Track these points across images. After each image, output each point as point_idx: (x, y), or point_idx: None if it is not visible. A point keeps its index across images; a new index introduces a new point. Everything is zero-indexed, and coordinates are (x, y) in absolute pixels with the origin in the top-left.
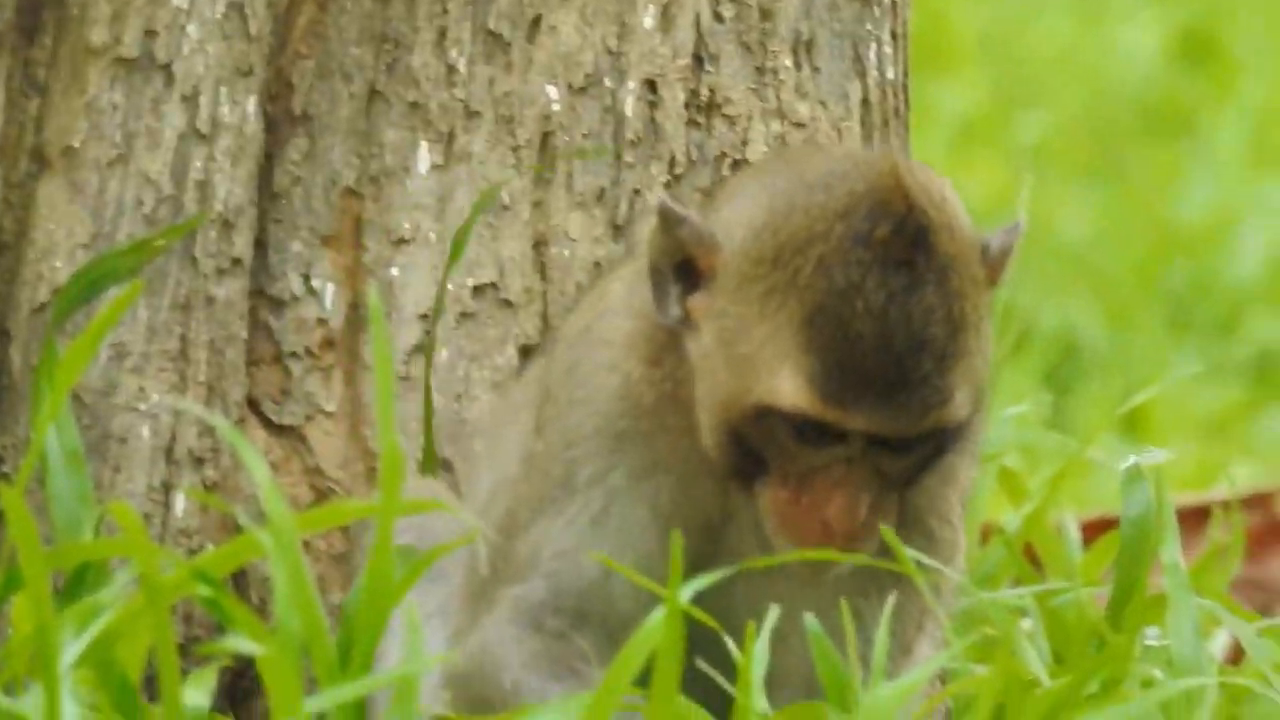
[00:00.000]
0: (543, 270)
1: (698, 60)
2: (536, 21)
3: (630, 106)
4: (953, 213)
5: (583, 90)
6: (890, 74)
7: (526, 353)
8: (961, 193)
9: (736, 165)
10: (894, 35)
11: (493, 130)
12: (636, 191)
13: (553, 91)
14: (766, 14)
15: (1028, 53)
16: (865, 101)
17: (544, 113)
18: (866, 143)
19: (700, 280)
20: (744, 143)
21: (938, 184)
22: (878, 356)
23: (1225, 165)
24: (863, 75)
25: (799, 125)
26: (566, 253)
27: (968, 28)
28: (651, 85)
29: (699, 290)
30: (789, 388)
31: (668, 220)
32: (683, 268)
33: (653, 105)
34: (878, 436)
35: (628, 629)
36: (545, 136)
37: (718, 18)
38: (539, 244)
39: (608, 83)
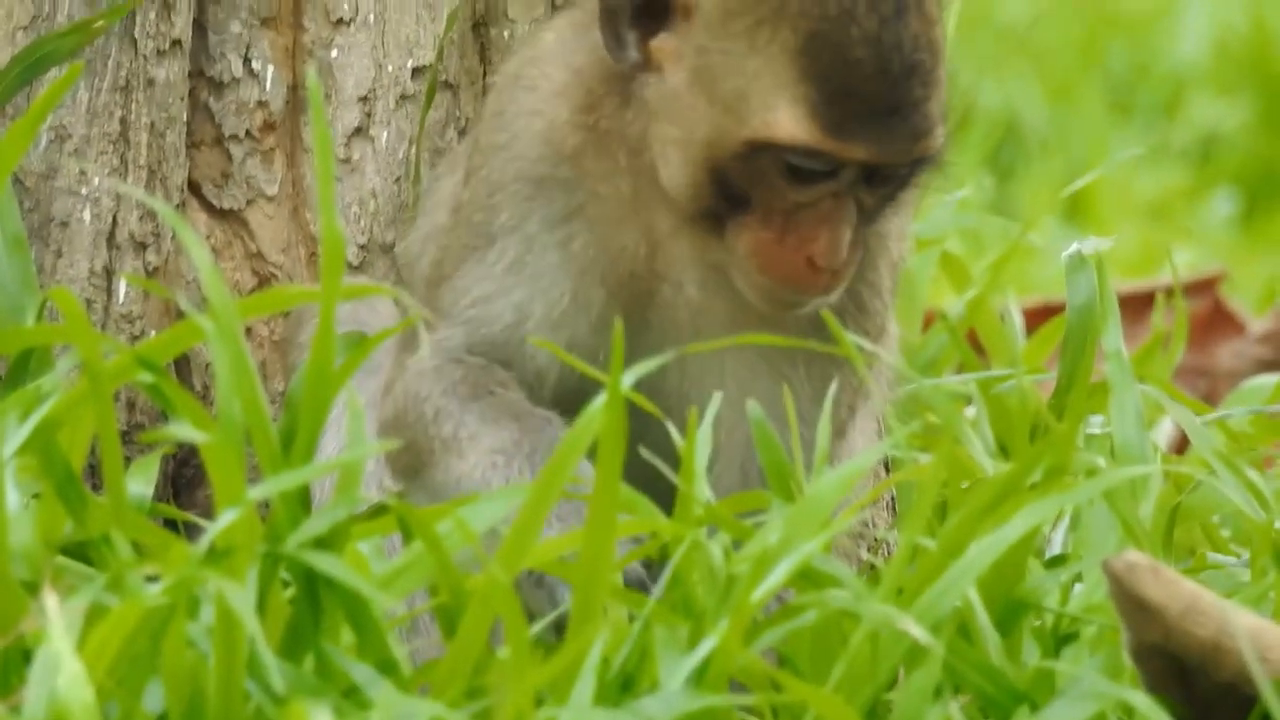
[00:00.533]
0: (482, 51)
1: None
2: None
3: None
4: None
5: None
6: None
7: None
8: None
9: None
10: None
11: None
12: None
13: None
14: None
15: None
16: None
17: None
18: None
19: (666, 20)
20: None
21: None
22: (875, 83)
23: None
24: None
25: None
26: (506, 34)
27: None
28: None
29: (664, 31)
30: (788, 119)
31: None
32: (643, 9)
33: None
34: (871, 166)
35: (543, 382)
36: None
37: None
38: (478, 25)
39: None
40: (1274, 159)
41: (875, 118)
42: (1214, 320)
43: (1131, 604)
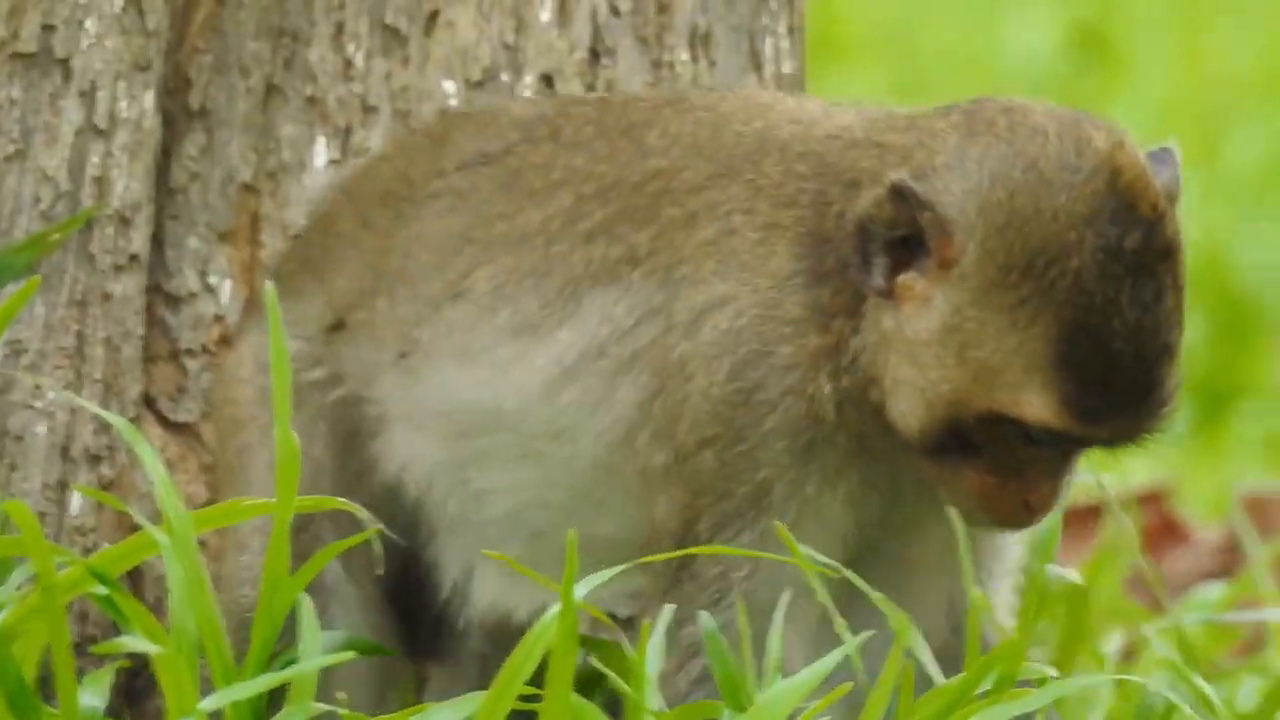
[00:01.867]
0: None
1: (594, 54)
2: (433, 16)
3: None
4: (1161, 186)
5: (480, 85)
6: (786, 68)
7: None
8: None
9: None
10: (790, 29)
11: (390, 125)
12: None
13: (450, 86)
14: (663, 8)
15: (922, 46)
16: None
17: (442, 107)
18: None
19: (920, 261)
20: None
21: (1140, 154)
22: (1130, 373)
23: None
24: (759, 68)
25: None
26: None
27: (863, 22)
28: (548, 80)
29: (914, 270)
30: (1039, 403)
31: (906, 198)
32: (900, 243)
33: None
34: (1104, 441)
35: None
36: None
37: (614, 11)
38: None
39: (505, 77)
40: (1222, 372)
41: (1125, 403)
42: (1163, 531)
43: None
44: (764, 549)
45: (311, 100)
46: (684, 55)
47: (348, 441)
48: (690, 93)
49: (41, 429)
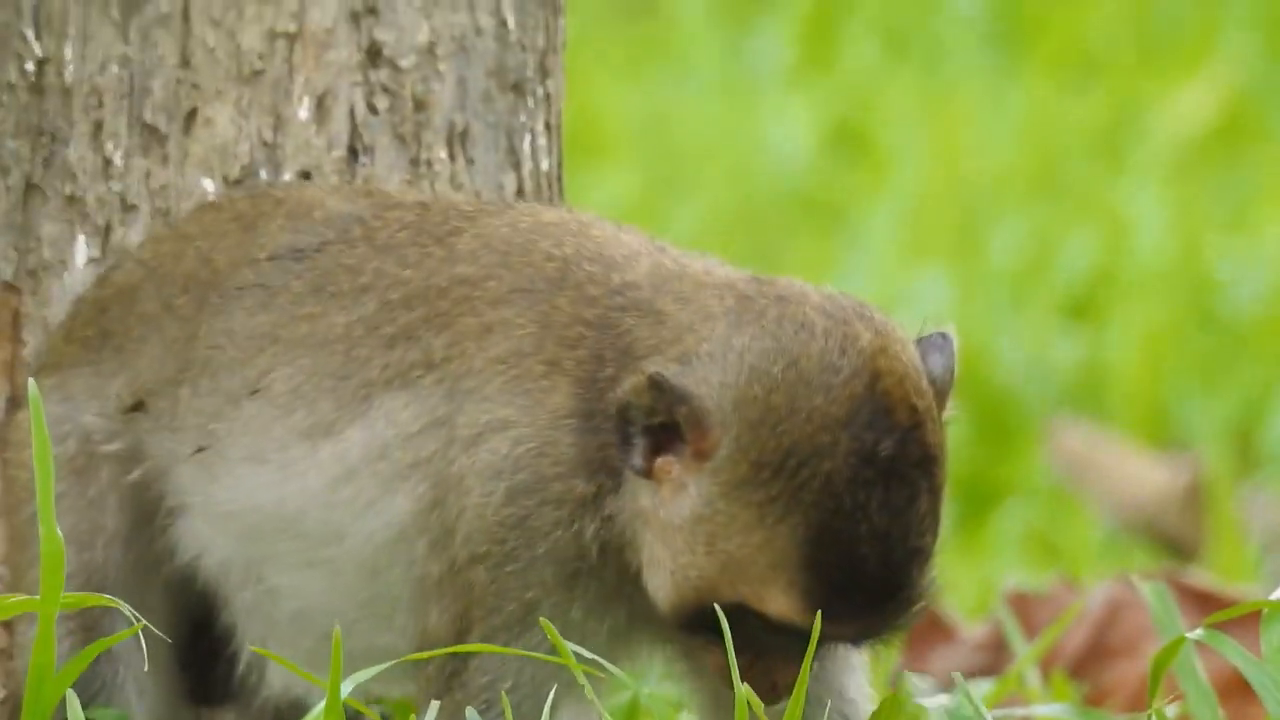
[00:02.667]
0: None
1: (353, 152)
2: (192, 114)
3: None
4: (926, 384)
5: (239, 182)
6: (545, 165)
7: None
8: None
9: None
10: (548, 126)
11: (150, 222)
12: None
13: (209, 184)
14: (421, 105)
15: (680, 144)
16: (520, 192)
17: (248, 182)
18: None
19: (678, 448)
20: None
21: (907, 347)
22: (876, 575)
23: (879, 256)
24: (517, 166)
25: None
26: None
27: (620, 119)
28: (307, 175)
29: (670, 454)
30: (782, 600)
31: (663, 390)
32: (659, 427)
33: None
34: (856, 639)
35: None
36: None
37: (372, 109)
38: None
39: (264, 174)
40: (983, 470)
41: (869, 605)
42: (928, 627)
43: None
44: (529, 665)
45: (71, 199)
46: (442, 153)
47: (143, 521)
48: (515, 202)
49: None
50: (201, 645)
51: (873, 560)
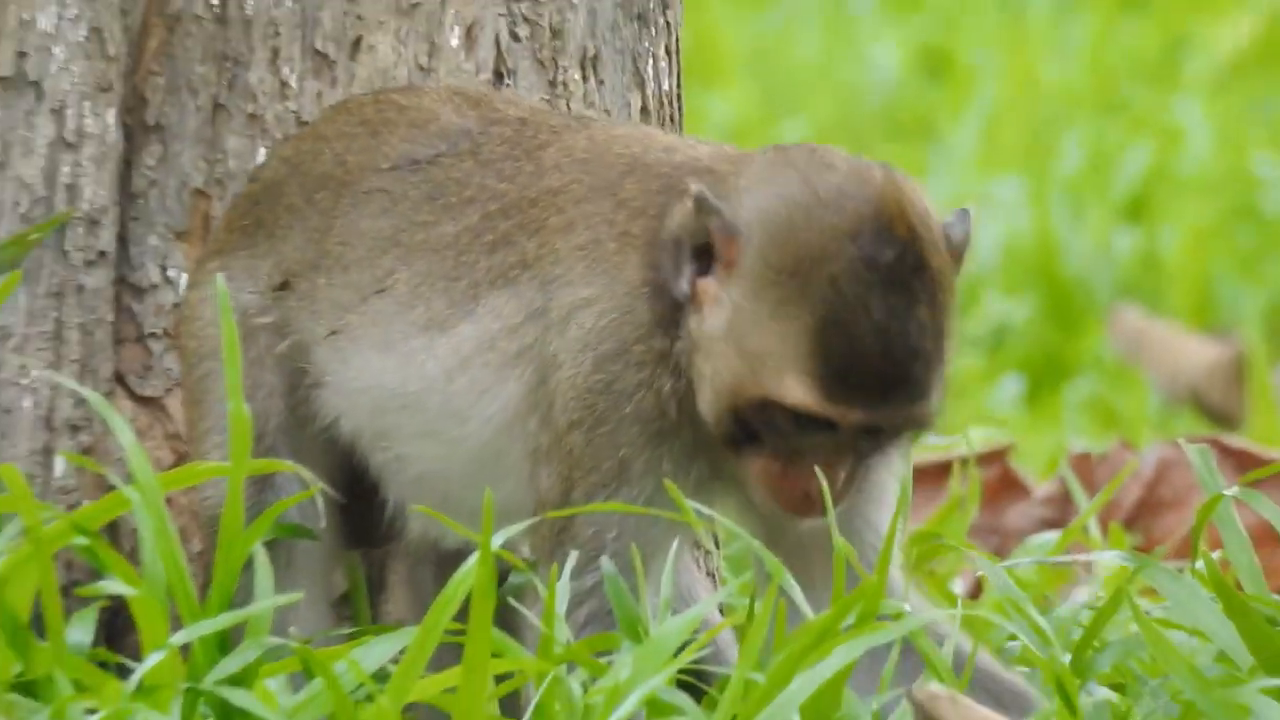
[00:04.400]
0: None
1: (498, 75)
2: (357, 42)
3: None
4: (935, 225)
5: None
6: (665, 85)
7: None
8: None
9: None
10: (668, 51)
11: None
12: None
13: None
14: (557, 33)
15: (787, 67)
16: (644, 110)
17: (334, 105)
18: None
19: (713, 266)
20: None
21: (920, 197)
22: (877, 364)
23: (961, 164)
24: (641, 86)
25: None
26: None
27: (734, 45)
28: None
29: (709, 275)
30: (796, 388)
31: (702, 207)
32: (700, 251)
33: None
34: (867, 427)
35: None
36: None
37: (515, 37)
38: None
39: None
40: (1053, 348)
41: (873, 391)
42: (1003, 486)
43: None
44: (629, 517)
45: (252, 116)
46: (576, 75)
47: (293, 385)
48: (593, 117)
49: (27, 403)
50: (357, 493)
51: (874, 352)
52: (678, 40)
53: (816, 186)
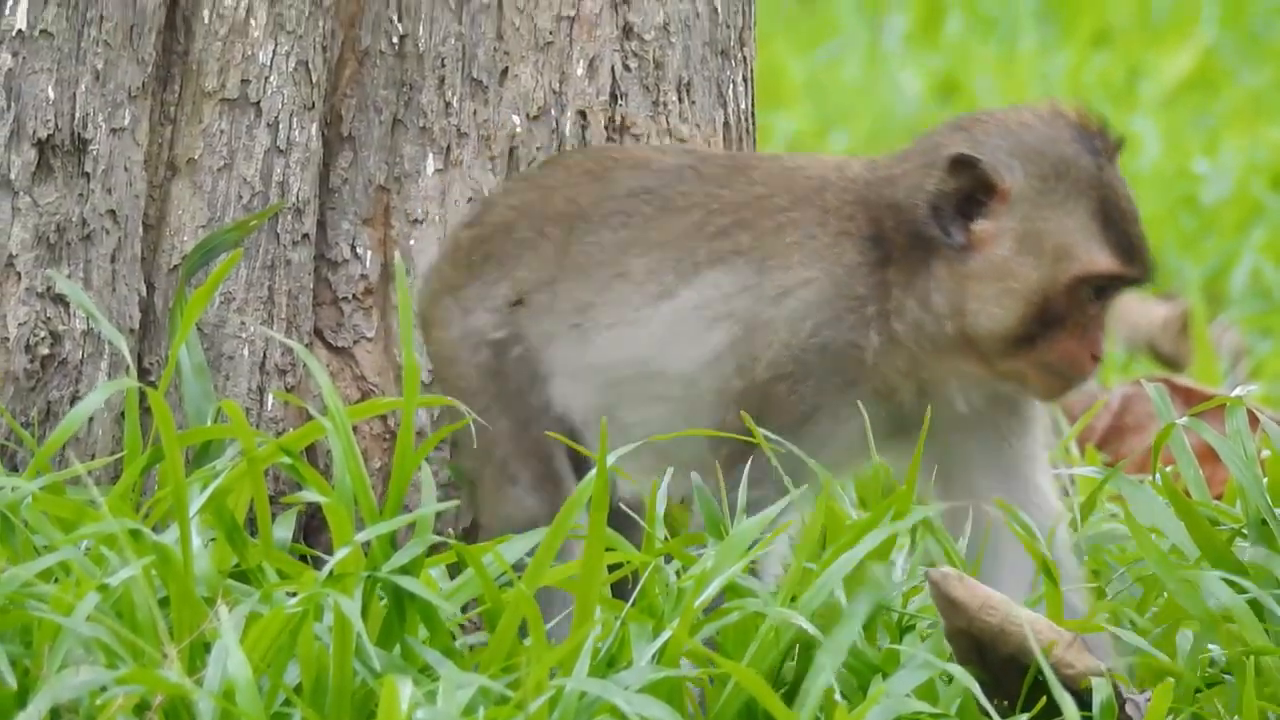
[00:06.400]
0: None
1: (614, 97)
2: (505, 71)
3: (568, 129)
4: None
5: (536, 118)
6: (743, 106)
7: None
8: None
9: None
10: (745, 79)
11: (476, 146)
12: None
13: (516, 120)
14: (659, 65)
15: (836, 91)
16: (726, 124)
17: (511, 134)
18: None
19: (983, 210)
20: None
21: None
22: (1137, 227)
23: None
24: (724, 107)
25: (681, 140)
26: None
27: (795, 73)
28: (583, 114)
29: (980, 219)
30: (1103, 254)
31: (964, 164)
32: (963, 204)
33: (583, 128)
34: (1137, 280)
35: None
36: (511, 150)
37: (626, 68)
38: None
39: (553, 113)
40: None
41: (1141, 247)
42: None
43: (945, 601)
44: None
45: (423, 129)
46: (674, 98)
47: (527, 385)
48: (778, 154)
49: (245, 352)
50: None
51: (1133, 218)
52: (752, 70)
53: (1023, 119)
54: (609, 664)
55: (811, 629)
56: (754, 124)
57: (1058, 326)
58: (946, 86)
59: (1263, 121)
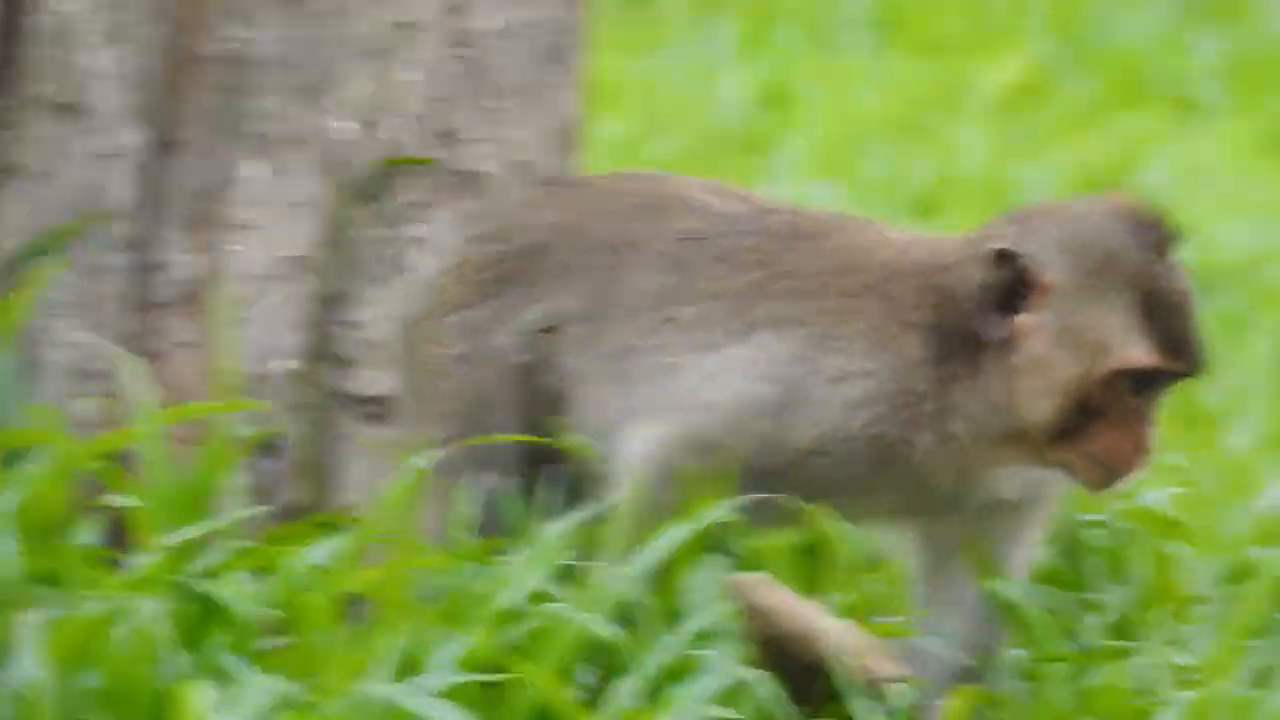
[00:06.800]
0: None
1: (445, 103)
2: (336, 78)
3: (399, 135)
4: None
5: (368, 125)
6: (572, 112)
7: None
8: None
9: None
10: (575, 86)
11: (306, 153)
12: None
13: (347, 126)
14: (490, 72)
15: (662, 97)
16: (556, 131)
17: (341, 141)
18: (561, 159)
19: (1026, 304)
20: None
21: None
22: (1185, 319)
23: (790, 172)
24: (555, 113)
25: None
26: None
27: (622, 79)
28: (415, 120)
29: (1023, 312)
30: (1143, 348)
31: (1008, 257)
32: (1006, 298)
33: (415, 135)
34: (1184, 374)
35: None
36: (341, 158)
37: (457, 75)
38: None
39: (384, 119)
40: None
41: (1189, 340)
42: None
43: (748, 607)
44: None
45: (253, 135)
46: (504, 104)
47: (548, 408)
48: (847, 220)
49: (63, 357)
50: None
51: (1180, 309)
52: (583, 77)
53: (1077, 212)
54: (408, 668)
55: (611, 634)
56: (582, 131)
57: (1100, 419)
58: (774, 95)
59: (1086, 131)
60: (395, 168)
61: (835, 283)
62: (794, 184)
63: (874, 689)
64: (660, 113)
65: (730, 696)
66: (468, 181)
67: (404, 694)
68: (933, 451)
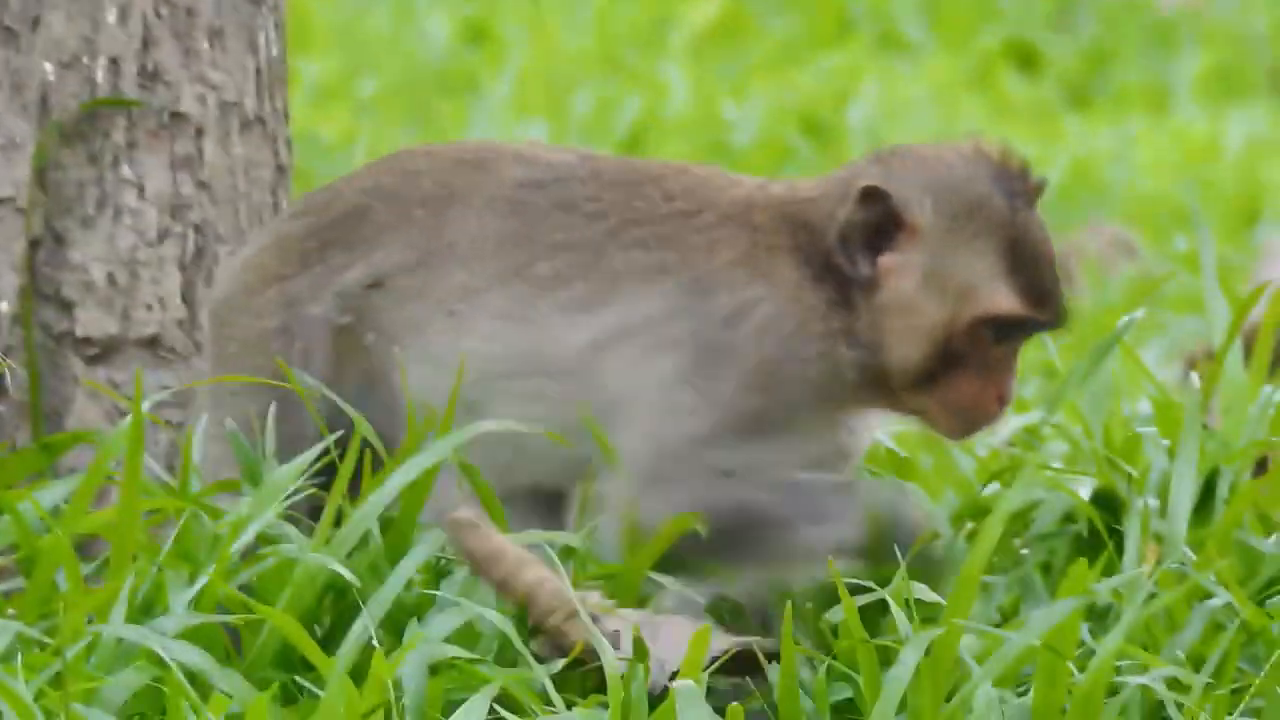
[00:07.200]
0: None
1: (145, 44)
2: (38, 19)
3: (100, 76)
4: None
5: (68, 66)
6: (275, 53)
7: None
8: (318, 134)
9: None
10: (276, 26)
11: (8, 94)
12: None
13: (48, 67)
14: (190, 12)
15: (363, 37)
16: (259, 71)
17: (42, 81)
18: (266, 99)
19: (892, 243)
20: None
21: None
22: (1050, 270)
23: (497, 112)
24: (256, 54)
25: (214, 87)
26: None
27: (323, 19)
28: (115, 62)
29: (889, 252)
30: (1007, 296)
31: (876, 197)
32: (872, 237)
33: (116, 76)
34: (1045, 325)
35: None
36: (43, 99)
37: (158, 15)
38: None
39: (85, 60)
40: None
41: (1053, 291)
42: None
43: (458, 548)
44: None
45: None
46: (205, 45)
47: (374, 377)
48: (686, 164)
49: None
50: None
51: (1042, 258)
52: (283, 16)
53: (944, 157)
54: (146, 610)
55: (346, 574)
56: (284, 69)
57: (961, 366)
58: (475, 33)
59: (790, 68)
60: (100, 109)
61: (690, 222)
62: (503, 123)
63: (558, 651)
64: (364, 52)
65: (471, 634)
66: (174, 122)
67: (144, 635)
68: (855, 370)
